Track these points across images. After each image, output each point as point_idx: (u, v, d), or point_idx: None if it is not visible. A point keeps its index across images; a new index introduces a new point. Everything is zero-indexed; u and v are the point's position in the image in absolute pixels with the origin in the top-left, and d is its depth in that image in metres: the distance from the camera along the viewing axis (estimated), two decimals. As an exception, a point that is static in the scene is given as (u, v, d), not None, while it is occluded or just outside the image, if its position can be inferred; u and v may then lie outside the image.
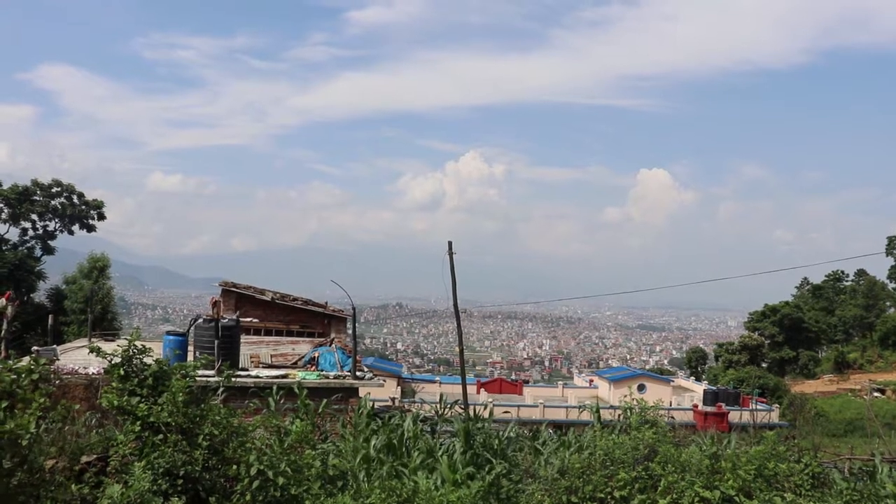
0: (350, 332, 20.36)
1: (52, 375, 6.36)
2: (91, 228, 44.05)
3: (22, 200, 41.24)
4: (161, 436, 6.37)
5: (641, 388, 45.65)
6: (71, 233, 43.69)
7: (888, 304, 76.36)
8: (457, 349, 18.41)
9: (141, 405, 6.50)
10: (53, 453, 6.71)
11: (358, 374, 14.89)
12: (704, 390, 47.86)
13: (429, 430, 10.42)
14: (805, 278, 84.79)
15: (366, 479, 7.58)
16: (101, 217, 44.27)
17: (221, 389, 8.31)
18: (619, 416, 10.04)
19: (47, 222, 42.87)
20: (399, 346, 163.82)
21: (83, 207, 43.34)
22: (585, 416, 12.11)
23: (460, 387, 17.85)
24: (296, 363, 16.59)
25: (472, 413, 11.70)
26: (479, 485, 7.30)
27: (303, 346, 18.89)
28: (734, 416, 41.04)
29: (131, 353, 6.92)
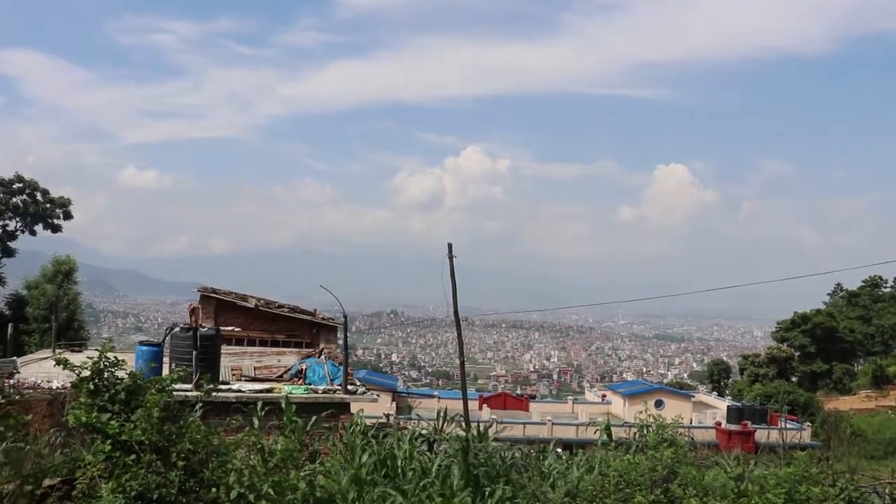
0: (341, 342, 20.36)
1: (7, 388, 6.39)
2: (56, 228, 44.04)
3: (-21, 198, 41.28)
4: (134, 456, 6.36)
5: (659, 403, 45.64)
6: (33, 233, 43.67)
7: (930, 312, 76.35)
8: (457, 361, 18.45)
9: (112, 422, 6.49)
10: (11, 476, 6.70)
11: (349, 388, 14.89)
12: (728, 407, 47.94)
13: (426, 449, 10.43)
14: (839, 284, 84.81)
15: (357, 501, 7.59)
16: (68, 216, 44.27)
17: (200, 405, 8.31)
18: (635, 434, 10.05)
19: (7, 221, 42.87)
20: (394, 357, 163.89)
21: (47, 205, 43.32)
22: (597, 434, 12.11)
23: (461, 402, 17.86)
24: (281, 376, 16.58)
25: (473, 431, 11.70)
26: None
27: (289, 358, 18.88)
28: (761, 435, 41.08)
29: (102, 366, 6.91)
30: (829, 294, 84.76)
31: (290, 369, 16.94)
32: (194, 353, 13.74)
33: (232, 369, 16.57)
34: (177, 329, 14.61)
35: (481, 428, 11.65)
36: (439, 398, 46.59)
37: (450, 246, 16.80)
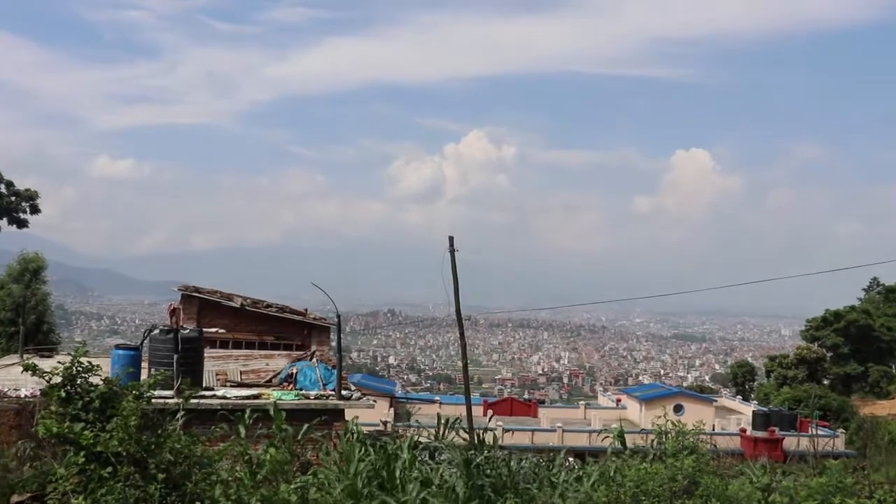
0: (334, 343, 20.39)
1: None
2: (22, 223, 44.07)
3: (-63, 191, 41.30)
4: (110, 468, 6.38)
5: (678, 408, 45.68)
6: (-3, 229, 43.69)
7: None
8: (459, 363, 18.48)
9: (86, 432, 6.51)
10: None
11: (343, 393, 14.92)
12: (754, 412, 47.97)
13: (427, 458, 10.46)
14: (875, 278, 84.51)
15: (353, 517, 7.61)
16: (35, 210, 44.26)
17: (182, 413, 8.34)
18: (653, 441, 10.07)
19: (-31, 216, 42.91)
20: (392, 360, 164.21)
21: (12, 198, 43.32)
22: (611, 441, 12.15)
23: (464, 408, 17.87)
24: (270, 381, 16.62)
25: (477, 439, 11.73)
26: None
27: (278, 361, 18.92)
28: (790, 442, 41.08)
29: (75, 372, 6.92)
30: (864, 289, 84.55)
31: (279, 373, 16.97)
32: (175, 356, 13.76)
33: (216, 374, 16.61)
34: (156, 331, 14.62)
35: (486, 435, 11.67)
36: (441, 403, 46.64)
37: (451, 239, 16.79)
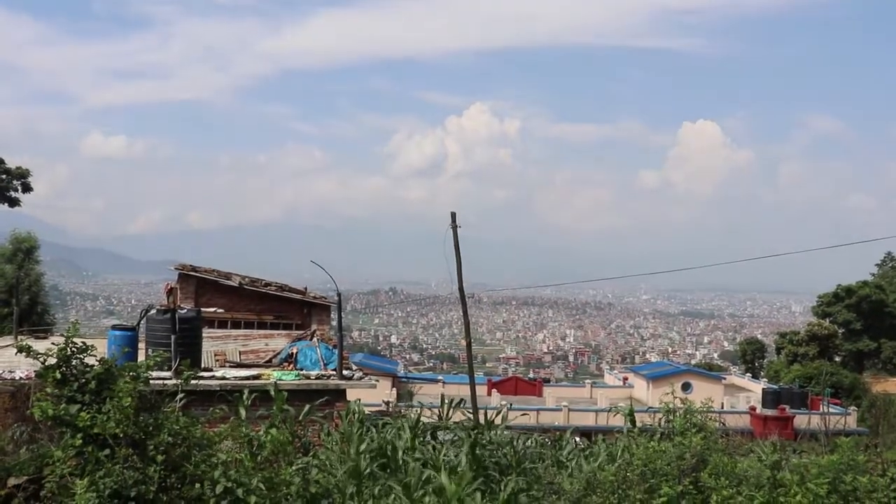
0: (334, 322, 20.45)
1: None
2: (14, 202, 44.01)
3: (-74, 169, 41.19)
4: (107, 450, 6.41)
5: (686, 386, 45.94)
6: (-12, 208, 43.63)
7: None
8: (463, 342, 18.56)
9: (82, 414, 6.52)
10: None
11: (345, 373, 14.99)
12: (763, 390, 48.19)
13: (430, 439, 10.52)
14: (889, 253, 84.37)
15: (355, 497, 7.67)
16: (27, 188, 44.19)
17: (180, 394, 8.37)
18: (660, 420, 10.10)
19: (-41, 195, 42.84)
20: (393, 339, 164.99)
21: (3, 176, 43.21)
22: (619, 420, 12.20)
23: (467, 387, 17.98)
24: (270, 361, 16.69)
25: (481, 419, 11.79)
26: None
27: (278, 341, 19.00)
28: (801, 420, 41.31)
29: (70, 353, 6.93)
30: (877, 264, 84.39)
31: (279, 353, 17.04)
32: (173, 337, 13.80)
33: (215, 354, 16.68)
34: (153, 311, 14.66)
35: (490, 415, 11.74)
36: (444, 383, 46.98)
37: (453, 215, 16.76)
